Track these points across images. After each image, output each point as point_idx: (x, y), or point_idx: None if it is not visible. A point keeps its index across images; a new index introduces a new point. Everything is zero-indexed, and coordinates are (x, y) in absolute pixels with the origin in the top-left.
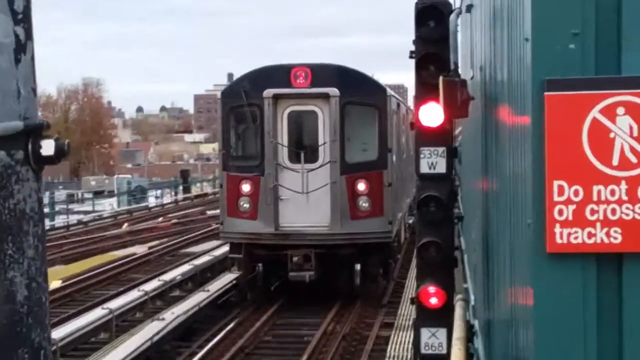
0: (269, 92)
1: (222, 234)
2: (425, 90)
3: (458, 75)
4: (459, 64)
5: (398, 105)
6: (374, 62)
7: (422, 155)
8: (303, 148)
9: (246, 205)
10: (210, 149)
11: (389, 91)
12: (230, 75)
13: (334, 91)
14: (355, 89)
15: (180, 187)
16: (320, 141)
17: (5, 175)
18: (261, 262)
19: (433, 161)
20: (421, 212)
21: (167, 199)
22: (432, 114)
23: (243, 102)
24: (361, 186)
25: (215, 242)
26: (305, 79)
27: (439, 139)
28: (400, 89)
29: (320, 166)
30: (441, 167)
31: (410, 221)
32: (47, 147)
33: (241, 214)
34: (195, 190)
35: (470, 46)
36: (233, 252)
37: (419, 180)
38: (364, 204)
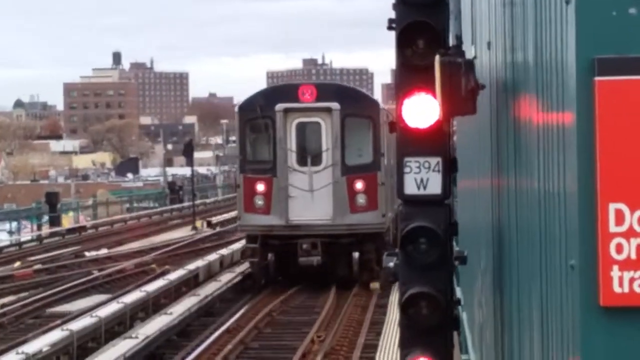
0: (280, 106)
1: (240, 227)
2: (411, 76)
3: (462, 54)
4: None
5: (387, 116)
6: (325, 34)
7: (406, 169)
8: (309, 153)
9: (260, 202)
10: (89, 161)
11: (381, 105)
12: (116, 56)
13: (335, 105)
14: (353, 103)
15: (46, 218)
16: (324, 147)
17: None
18: (273, 252)
19: (423, 177)
20: (406, 251)
21: (26, 234)
22: (422, 110)
23: (258, 115)
24: (359, 185)
25: (99, 297)
26: (310, 95)
27: (432, 146)
28: (363, 75)
29: (324, 168)
30: (435, 186)
31: (391, 264)
32: None
33: (256, 210)
34: (67, 221)
35: (470, 13)
36: (249, 243)
37: (402, 206)
38: (361, 200)
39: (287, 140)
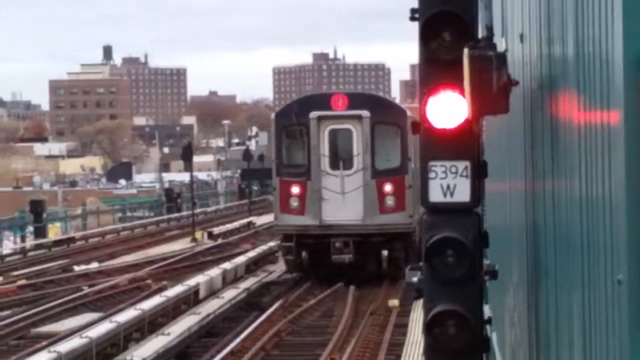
0: (314, 114)
1: (276, 227)
2: (437, 72)
3: (493, 47)
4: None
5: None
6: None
7: (431, 174)
8: (341, 158)
9: (296, 204)
10: (77, 166)
11: (409, 112)
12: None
13: (365, 113)
14: (382, 111)
15: (31, 228)
16: (355, 152)
17: None
18: (307, 250)
19: (449, 183)
20: (432, 265)
21: (9, 246)
22: (448, 109)
23: (293, 122)
24: (387, 187)
25: (90, 316)
26: (342, 103)
27: (460, 149)
28: (379, 71)
29: (355, 172)
30: (463, 193)
31: (414, 279)
32: None
33: (291, 211)
34: (54, 231)
35: (501, 3)
36: (285, 241)
37: (427, 215)
38: (389, 202)
39: (321, 146)
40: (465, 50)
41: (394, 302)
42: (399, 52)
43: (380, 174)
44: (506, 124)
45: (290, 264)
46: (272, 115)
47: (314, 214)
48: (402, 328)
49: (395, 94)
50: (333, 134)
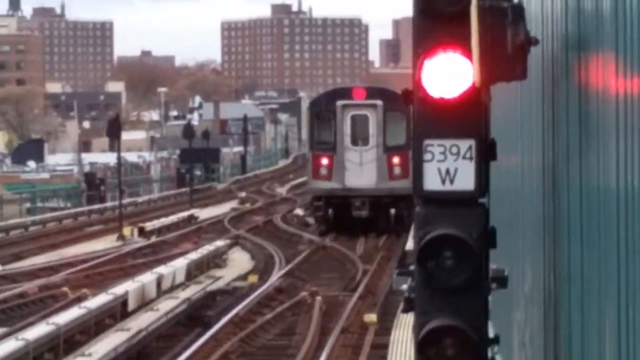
0: (339, 103)
1: (309, 190)
2: (435, 28)
3: None
4: None
5: None
6: None
7: (426, 156)
8: (359, 137)
9: (324, 172)
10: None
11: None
12: None
13: (379, 103)
14: (392, 100)
15: None
16: (370, 133)
17: None
18: (333, 208)
19: (449, 167)
20: (426, 269)
21: None
22: (449, 74)
23: (323, 109)
24: (395, 160)
25: None
26: (361, 95)
27: (463, 124)
28: (355, 27)
29: (370, 148)
30: (466, 180)
31: (404, 286)
32: None
33: (321, 177)
34: None
35: None
36: (315, 201)
37: (420, 206)
38: (396, 171)
39: (344, 128)
40: (474, 1)
41: (370, 317)
42: (378, 5)
43: (389, 149)
44: (519, 92)
45: (319, 220)
46: (306, 106)
47: (339, 180)
48: (380, 350)
49: (374, 55)
50: (354, 118)
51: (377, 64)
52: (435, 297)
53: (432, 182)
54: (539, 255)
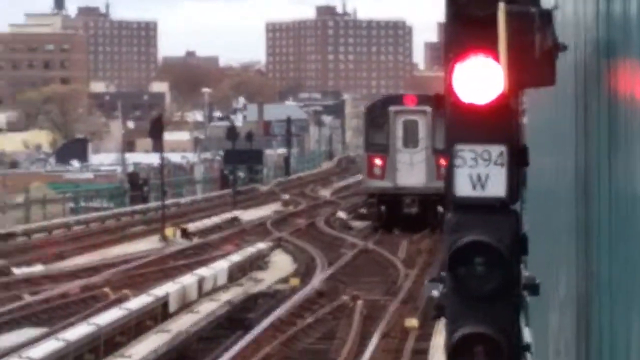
0: (392, 108)
1: (364, 187)
2: (466, 33)
3: (536, 2)
4: None
5: None
6: None
7: (457, 161)
8: (410, 140)
9: (378, 172)
10: (19, 143)
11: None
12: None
13: (428, 109)
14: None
15: None
16: (420, 136)
17: None
18: (385, 205)
19: (481, 173)
20: (457, 276)
21: None
22: (480, 80)
23: (378, 114)
24: (442, 161)
25: (32, 331)
26: (412, 102)
27: (494, 130)
28: (399, 30)
29: (420, 150)
30: (497, 186)
31: (435, 293)
32: None
33: (375, 176)
34: None
35: None
36: (370, 198)
37: (451, 212)
38: (444, 171)
39: (396, 131)
40: (501, 5)
41: (411, 322)
42: (423, 8)
43: (438, 151)
44: (551, 98)
45: (372, 216)
46: (363, 109)
47: (391, 179)
48: (421, 355)
49: (419, 58)
50: (405, 123)
51: (421, 66)
52: (465, 304)
53: (463, 187)
54: (572, 262)
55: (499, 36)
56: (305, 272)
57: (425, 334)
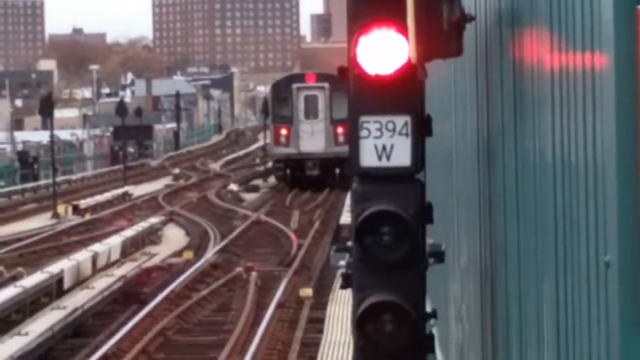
0: (295, 85)
1: (271, 154)
2: (370, 5)
3: None
4: None
5: None
6: None
7: (363, 133)
8: (311, 112)
9: (283, 140)
10: None
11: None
12: None
13: (326, 85)
14: (337, 83)
15: None
16: (319, 108)
17: None
18: (290, 169)
19: (386, 143)
20: (364, 245)
21: None
22: (384, 51)
23: (282, 90)
24: (339, 130)
25: None
26: (312, 79)
27: (399, 100)
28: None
29: (319, 121)
30: (402, 156)
31: (342, 263)
32: None
33: (281, 144)
34: None
35: None
36: (275, 164)
37: (357, 183)
38: (340, 139)
39: (299, 104)
40: None
41: (306, 292)
42: None
43: (335, 121)
44: (452, 68)
45: (279, 178)
46: (269, 87)
47: (295, 146)
48: (317, 324)
49: (305, 30)
50: (306, 97)
51: (308, 38)
52: (373, 273)
53: (368, 158)
54: (475, 230)
55: (408, 8)
56: (198, 245)
57: (320, 303)
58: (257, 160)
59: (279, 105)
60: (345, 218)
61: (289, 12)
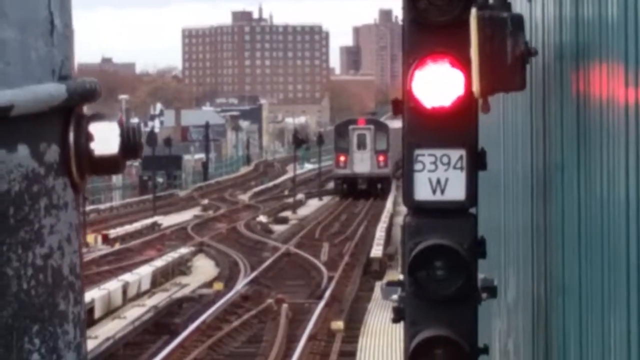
0: (351, 127)
1: (334, 174)
2: (427, 37)
3: (508, 7)
4: None
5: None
6: None
7: (417, 166)
8: (361, 144)
9: (342, 164)
10: None
11: (390, 125)
12: None
13: (372, 127)
14: (379, 125)
15: None
16: (367, 142)
17: (27, 197)
18: (346, 184)
19: (440, 177)
20: (416, 280)
21: None
22: (440, 84)
23: (342, 129)
24: (380, 157)
25: None
26: (362, 122)
27: (455, 134)
28: (315, 35)
29: (367, 151)
30: (457, 190)
31: (394, 297)
32: (105, 138)
33: (340, 167)
34: None
35: None
36: (336, 181)
37: (410, 216)
38: (381, 164)
39: (353, 139)
40: (473, 11)
41: (337, 325)
42: (338, 12)
43: (377, 151)
44: (499, 101)
45: (338, 191)
46: (333, 128)
47: (350, 168)
48: (348, 357)
49: (335, 63)
50: (358, 135)
51: (337, 70)
52: (426, 308)
53: (423, 192)
54: (527, 265)
55: (472, 41)
56: (228, 277)
57: (351, 336)
58: (286, 192)
59: (339, 140)
60: (376, 251)
61: (318, 45)
